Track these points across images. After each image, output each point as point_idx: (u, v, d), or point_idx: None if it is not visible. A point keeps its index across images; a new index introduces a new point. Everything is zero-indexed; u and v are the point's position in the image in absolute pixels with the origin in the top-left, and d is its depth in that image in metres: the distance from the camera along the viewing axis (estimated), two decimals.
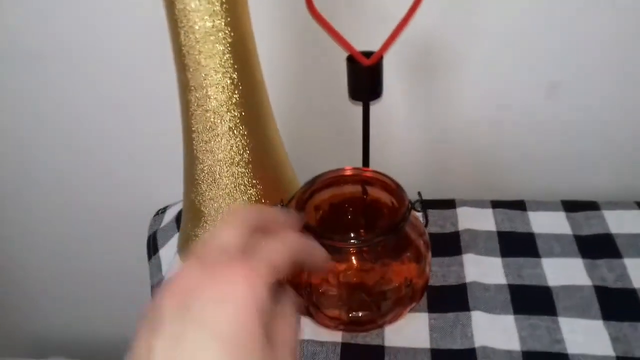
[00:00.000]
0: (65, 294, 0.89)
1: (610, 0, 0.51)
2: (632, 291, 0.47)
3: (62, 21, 0.58)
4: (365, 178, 0.47)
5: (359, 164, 0.51)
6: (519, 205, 0.57)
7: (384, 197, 0.47)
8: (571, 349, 0.43)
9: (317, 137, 0.64)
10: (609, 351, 0.43)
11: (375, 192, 0.48)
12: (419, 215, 0.49)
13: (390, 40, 0.47)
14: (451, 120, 0.60)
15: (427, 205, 0.57)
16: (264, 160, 0.49)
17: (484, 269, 0.50)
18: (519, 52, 0.55)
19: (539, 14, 0.53)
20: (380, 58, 0.47)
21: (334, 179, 0.47)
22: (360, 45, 0.46)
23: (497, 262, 0.51)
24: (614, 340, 0.44)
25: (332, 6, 0.51)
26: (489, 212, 0.56)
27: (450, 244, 0.53)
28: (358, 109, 0.51)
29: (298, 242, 0.29)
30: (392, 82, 0.58)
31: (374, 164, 0.57)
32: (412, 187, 0.60)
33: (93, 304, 0.89)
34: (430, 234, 0.55)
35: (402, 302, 0.45)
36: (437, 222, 0.56)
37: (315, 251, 0.32)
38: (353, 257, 0.44)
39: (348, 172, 0.46)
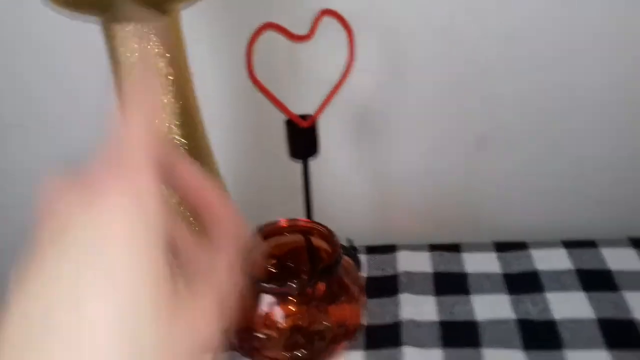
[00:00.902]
0: None
1: (526, 59, 0.57)
2: (552, 322, 0.52)
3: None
4: (301, 228, 0.52)
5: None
6: (455, 248, 0.61)
7: (323, 245, 0.52)
8: None
9: (265, 189, 0.68)
10: None
11: (315, 241, 0.53)
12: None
13: (324, 103, 0.53)
14: (391, 172, 0.65)
15: (371, 250, 0.62)
16: None
17: (418, 308, 0.54)
18: (448, 107, 0.61)
19: (461, 78, 0.59)
20: (315, 120, 0.52)
21: (273, 229, 0.52)
22: (298, 109, 0.52)
23: (431, 300, 0.55)
24: None
25: (272, 72, 0.57)
26: (426, 255, 0.61)
27: (389, 286, 0.57)
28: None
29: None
30: (336, 139, 0.64)
31: (323, 215, 0.62)
32: (358, 235, 0.65)
33: None
34: (371, 277, 0.59)
35: (336, 341, 0.48)
36: (379, 266, 0.60)
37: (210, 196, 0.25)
38: (290, 301, 0.48)
39: (283, 224, 0.51)
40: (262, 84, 0.52)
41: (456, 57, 0.59)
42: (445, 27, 0.57)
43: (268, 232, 0.52)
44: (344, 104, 0.62)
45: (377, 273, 0.60)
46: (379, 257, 0.62)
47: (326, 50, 0.51)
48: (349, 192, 0.67)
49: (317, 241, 0.53)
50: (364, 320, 0.52)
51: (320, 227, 0.50)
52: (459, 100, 0.61)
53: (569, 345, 0.49)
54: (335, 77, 0.51)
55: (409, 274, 0.59)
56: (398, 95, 0.61)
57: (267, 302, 0.47)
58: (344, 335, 0.49)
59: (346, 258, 0.52)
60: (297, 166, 0.54)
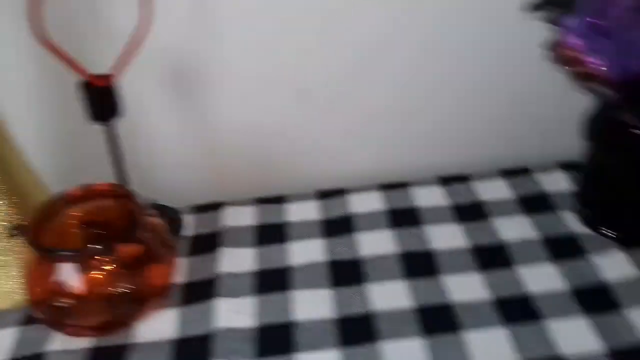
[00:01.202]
0: None
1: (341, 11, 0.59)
2: (360, 261, 0.55)
3: None
4: (97, 192, 0.51)
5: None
6: (278, 200, 0.63)
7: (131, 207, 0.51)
8: (301, 315, 0.50)
9: (83, 156, 0.66)
10: (329, 314, 0.50)
11: (123, 204, 0.52)
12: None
13: (122, 61, 0.51)
14: (214, 128, 0.65)
15: (198, 210, 0.63)
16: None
17: (236, 260, 0.56)
18: (267, 61, 0.62)
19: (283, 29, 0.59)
20: (112, 79, 0.51)
21: (76, 195, 0.50)
22: (102, 69, 0.50)
23: (249, 252, 0.57)
24: (338, 303, 0.51)
25: (72, 30, 0.54)
26: (250, 209, 0.62)
27: (211, 242, 0.58)
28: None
29: None
30: (154, 99, 0.63)
31: (145, 177, 0.62)
32: (186, 195, 0.65)
33: None
34: (197, 235, 0.60)
35: (144, 303, 0.49)
36: (205, 224, 0.61)
37: None
38: (89, 267, 0.47)
39: (77, 191, 0.50)
40: (52, 43, 0.50)
41: (273, 10, 0.59)
42: None
43: (70, 198, 0.51)
44: (160, 62, 0.60)
45: (203, 231, 0.60)
46: (205, 215, 0.62)
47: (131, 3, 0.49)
48: (174, 152, 0.66)
49: (128, 204, 0.52)
50: (176, 279, 0.53)
51: (118, 190, 0.50)
52: (277, 54, 0.62)
53: (372, 279, 0.53)
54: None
55: (232, 229, 0.60)
56: (214, 51, 0.61)
57: (63, 270, 0.46)
58: (152, 296, 0.49)
59: (155, 219, 0.52)
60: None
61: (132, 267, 0.48)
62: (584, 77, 0.41)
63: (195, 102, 0.64)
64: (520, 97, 0.65)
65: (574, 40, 0.40)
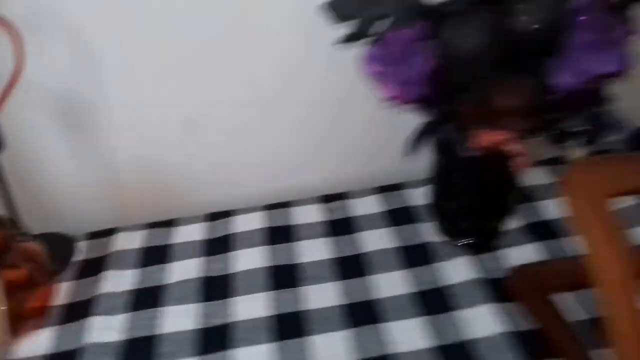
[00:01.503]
0: None
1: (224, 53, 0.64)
2: (228, 276, 0.60)
3: None
4: None
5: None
6: (168, 224, 0.68)
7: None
8: (167, 329, 0.54)
9: None
10: (192, 325, 0.54)
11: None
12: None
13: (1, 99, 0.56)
14: (110, 160, 0.70)
15: (92, 236, 0.67)
16: None
17: (118, 281, 0.60)
18: (157, 93, 0.67)
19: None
20: None
21: None
22: None
23: (130, 273, 0.61)
24: (204, 316, 0.55)
25: None
26: (140, 233, 0.67)
27: (97, 266, 0.63)
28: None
29: None
30: (49, 133, 0.67)
31: (41, 206, 0.66)
32: (84, 222, 0.69)
33: None
34: (88, 259, 0.64)
35: (23, 323, 0.53)
36: (97, 249, 0.65)
37: None
38: None
39: None
40: None
41: (154, 50, 0.64)
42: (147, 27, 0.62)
43: None
44: (52, 96, 0.65)
45: (93, 255, 0.65)
46: (97, 241, 0.66)
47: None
48: (70, 183, 0.71)
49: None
50: (56, 301, 0.57)
51: None
52: (164, 89, 0.67)
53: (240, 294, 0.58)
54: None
55: (119, 253, 0.64)
56: (101, 87, 0.66)
57: None
58: (30, 317, 0.54)
59: (34, 247, 0.57)
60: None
61: (8, 291, 0.52)
62: (388, 100, 0.46)
63: (87, 135, 0.68)
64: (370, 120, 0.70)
65: (374, 68, 0.46)
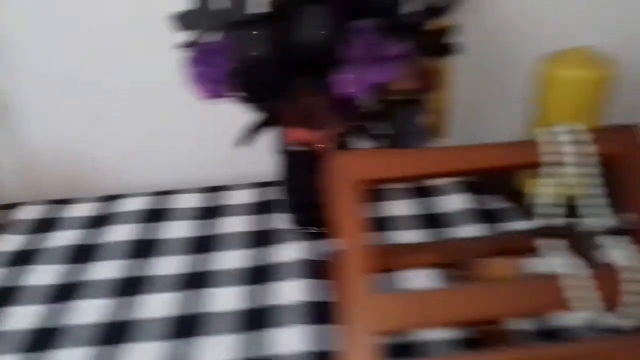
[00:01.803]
0: None
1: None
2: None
3: None
4: None
5: None
6: (63, 201, 0.78)
7: None
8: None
9: None
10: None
11: None
12: None
13: None
14: (28, 148, 0.81)
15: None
16: None
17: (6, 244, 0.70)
18: (64, 92, 0.78)
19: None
20: None
21: None
22: None
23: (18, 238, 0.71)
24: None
25: None
26: (37, 208, 0.77)
27: None
28: None
29: None
30: None
31: None
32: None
33: None
34: None
35: None
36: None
37: None
38: None
39: None
40: None
41: (66, 43, 0.74)
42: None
43: None
44: None
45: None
46: (2, 212, 0.76)
47: None
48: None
49: None
50: None
51: None
52: (72, 86, 0.78)
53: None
54: None
55: (16, 221, 0.74)
56: (14, 80, 0.76)
57: None
58: None
59: None
60: None
61: None
62: (204, 97, 0.56)
63: (3, 123, 0.79)
64: None
65: (192, 69, 0.56)
